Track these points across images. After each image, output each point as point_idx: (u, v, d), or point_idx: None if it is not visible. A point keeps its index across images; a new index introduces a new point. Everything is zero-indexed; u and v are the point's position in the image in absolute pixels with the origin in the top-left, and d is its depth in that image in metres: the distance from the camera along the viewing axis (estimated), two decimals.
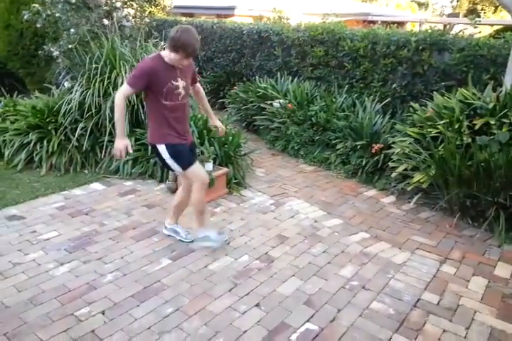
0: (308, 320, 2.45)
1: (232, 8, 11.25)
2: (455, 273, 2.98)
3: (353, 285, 2.79)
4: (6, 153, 4.46)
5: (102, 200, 3.85)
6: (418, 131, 4.11)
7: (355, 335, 2.35)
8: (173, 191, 3.87)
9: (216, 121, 3.26)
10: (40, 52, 5.62)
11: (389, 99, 5.32)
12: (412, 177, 3.90)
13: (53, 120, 4.55)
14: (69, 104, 4.43)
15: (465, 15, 17.09)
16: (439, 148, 3.77)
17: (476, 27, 5.04)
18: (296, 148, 5.27)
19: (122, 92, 2.64)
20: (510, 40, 4.48)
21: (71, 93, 4.49)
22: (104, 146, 4.39)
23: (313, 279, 2.84)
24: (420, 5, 33.06)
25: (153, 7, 7.84)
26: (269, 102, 5.72)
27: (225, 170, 4.06)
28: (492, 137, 3.57)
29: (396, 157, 4.16)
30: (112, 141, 4.34)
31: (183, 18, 8.88)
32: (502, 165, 3.36)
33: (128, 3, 5.69)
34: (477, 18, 5.01)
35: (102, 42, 4.69)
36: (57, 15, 5.12)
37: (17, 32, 6.64)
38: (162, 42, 5.01)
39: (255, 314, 2.48)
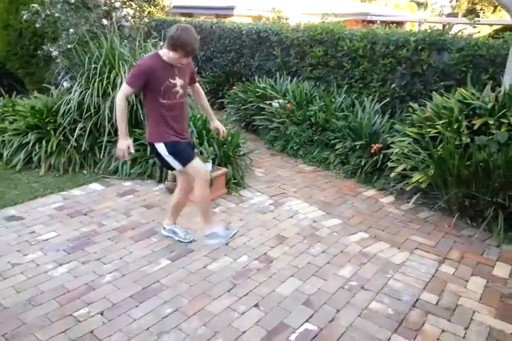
0: (307, 320, 2.45)
1: (231, 8, 11.26)
2: (454, 273, 2.98)
3: (352, 286, 2.79)
4: (5, 154, 4.46)
5: (101, 201, 3.85)
6: (417, 131, 4.11)
7: (354, 335, 2.35)
8: (172, 191, 3.84)
9: (216, 122, 3.25)
10: (39, 52, 5.60)
11: (388, 99, 5.31)
12: (411, 177, 3.90)
13: (52, 120, 4.54)
14: (68, 104, 4.42)
15: (464, 15, 17.12)
16: (438, 148, 3.77)
17: (475, 27, 5.05)
18: (295, 148, 5.27)
19: (123, 92, 2.65)
20: (509, 40, 4.48)
21: (70, 93, 4.48)
22: (103, 146, 4.39)
23: (312, 279, 2.84)
24: (419, 5, 33.08)
25: (152, 7, 7.84)
26: (268, 102, 5.72)
27: (224, 170, 4.06)
28: (491, 137, 3.57)
29: (395, 157, 4.16)
30: (110, 141, 4.35)
31: (182, 18, 8.89)
32: (501, 165, 3.36)
33: (127, 3, 5.68)
34: (476, 18, 5.01)
35: (101, 42, 4.69)
36: (56, 15, 5.11)
37: (16, 32, 6.63)
38: (161, 42, 5.01)
39: (254, 314, 2.48)
